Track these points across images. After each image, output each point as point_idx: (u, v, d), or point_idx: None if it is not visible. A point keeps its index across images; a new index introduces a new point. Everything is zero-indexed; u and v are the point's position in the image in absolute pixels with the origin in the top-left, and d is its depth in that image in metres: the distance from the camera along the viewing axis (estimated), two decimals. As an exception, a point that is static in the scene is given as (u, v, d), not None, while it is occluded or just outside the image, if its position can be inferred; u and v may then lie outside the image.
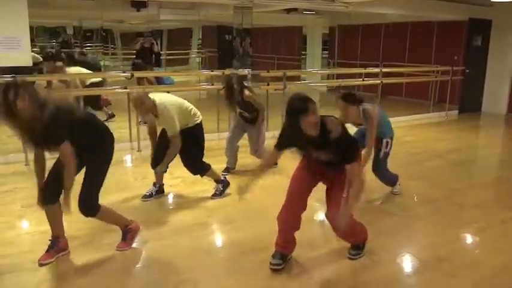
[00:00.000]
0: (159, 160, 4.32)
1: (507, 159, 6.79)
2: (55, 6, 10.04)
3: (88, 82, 7.23)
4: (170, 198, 4.63)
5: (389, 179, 4.78)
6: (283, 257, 3.15)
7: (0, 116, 2.78)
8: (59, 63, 7.48)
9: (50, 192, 3.11)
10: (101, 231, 3.68)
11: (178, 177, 5.11)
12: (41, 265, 3.11)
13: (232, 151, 5.40)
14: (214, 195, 4.58)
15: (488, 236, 3.86)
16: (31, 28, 5.79)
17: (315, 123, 2.78)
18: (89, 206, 3.15)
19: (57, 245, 3.23)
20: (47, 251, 3.20)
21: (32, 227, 3.85)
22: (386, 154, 4.60)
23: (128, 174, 5.54)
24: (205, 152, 4.55)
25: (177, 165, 5.47)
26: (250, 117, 5.26)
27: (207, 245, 3.62)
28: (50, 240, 3.23)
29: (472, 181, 5.58)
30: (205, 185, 4.88)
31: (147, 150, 5.96)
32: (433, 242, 3.69)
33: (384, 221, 4.17)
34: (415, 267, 3.32)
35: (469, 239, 3.90)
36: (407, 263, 3.38)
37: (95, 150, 3.12)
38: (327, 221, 4.11)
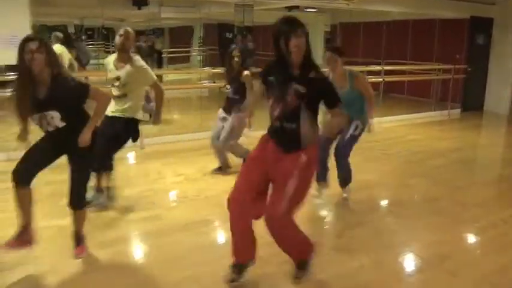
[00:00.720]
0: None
1: (509, 158, 6.78)
2: (56, 4, 10.03)
3: None
4: (173, 196, 4.63)
5: (348, 171, 4.40)
6: (241, 269, 2.89)
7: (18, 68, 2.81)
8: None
9: (27, 170, 3.04)
10: (100, 229, 3.70)
11: (181, 174, 5.13)
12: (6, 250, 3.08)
13: (217, 148, 5.17)
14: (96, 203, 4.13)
15: (490, 235, 3.85)
16: (32, 27, 5.78)
17: (297, 46, 2.58)
18: (83, 201, 3.20)
19: (24, 236, 3.17)
20: (15, 239, 3.14)
21: (34, 223, 3.83)
22: (354, 138, 4.25)
23: (131, 171, 5.53)
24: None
25: (180, 163, 5.50)
26: (232, 98, 5.00)
27: (209, 241, 3.62)
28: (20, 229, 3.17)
29: (474, 180, 5.57)
30: (208, 183, 4.89)
31: (150, 148, 5.99)
32: (434, 241, 3.68)
33: (385, 219, 4.18)
34: (417, 266, 3.31)
35: (470, 237, 3.89)
36: (408, 261, 3.38)
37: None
38: (327, 220, 4.13)
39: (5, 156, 5.48)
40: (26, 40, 2.81)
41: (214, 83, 7.57)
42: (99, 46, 18.25)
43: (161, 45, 12.72)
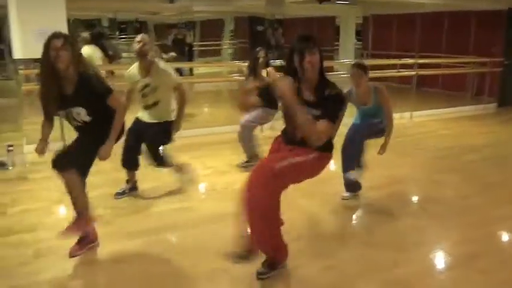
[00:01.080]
0: (131, 158, 4.21)
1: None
2: (91, -2, 10.25)
3: None
4: (202, 188, 4.69)
5: (353, 159, 4.16)
6: (274, 265, 2.98)
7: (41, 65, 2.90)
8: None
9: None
10: (130, 219, 3.79)
11: (210, 167, 5.19)
12: (72, 257, 3.13)
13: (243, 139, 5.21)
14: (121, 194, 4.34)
15: (524, 233, 3.76)
16: (68, 21, 5.91)
17: (311, 63, 2.63)
18: (73, 162, 3.03)
19: (88, 237, 3.24)
20: (77, 243, 3.19)
21: (69, 213, 3.94)
22: (373, 125, 4.17)
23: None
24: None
25: (209, 156, 5.56)
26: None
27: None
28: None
29: (507, 176, 5.41)
30: (236, 176, 4.93)
31: (180, 140, 6.06)
32: (465, 238, 3.61)
33: (415, 216, 4.11)
34: (447, 264, 3.26)
35: (503, 235, 3.79)
36: (439, 259, 3.33)
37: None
38: (357, 215, 4.10)
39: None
40: (52, 37, 2.87)
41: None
42: (132, 40, 18.34)
43: (192, 38, 12.84)
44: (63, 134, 5.40)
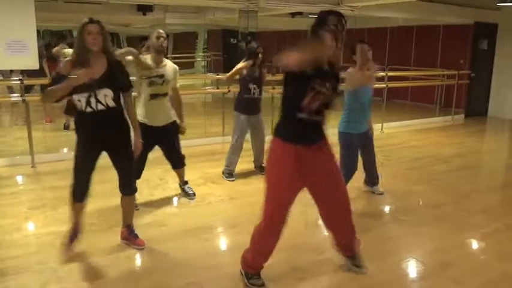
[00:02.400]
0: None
1: (513, 164, 6.75)
2: (62, 10, 10.10)
3: None
4: (175, 202, 4.63)
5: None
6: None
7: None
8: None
9: (82, 189, 3.22)
10: (103, 235, 3.70)
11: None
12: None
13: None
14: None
15: (494, 241, 3.83)
16: (38, 32, 5.82)
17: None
18: (135, 185, 3.55)
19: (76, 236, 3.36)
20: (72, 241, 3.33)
21: (38, 229, 3.86)
22: None
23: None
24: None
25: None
26: (259, 98, 5.14)
27: (212, 248, 3.62)
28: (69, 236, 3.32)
29: (477, 186, 5.56)
30: (210, 189, 4.90)
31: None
32: (437, 247, 3.67)
33: (388, 226, 4.16)
34: (420, 273, 3.30)
35: (474, 244, 3.87)
36: (411, 268, 3.37)
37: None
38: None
39: (9, 162, 5.53)
40: (88, 22, 2.98)
41: (217, 88, 7.58)
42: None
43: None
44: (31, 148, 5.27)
